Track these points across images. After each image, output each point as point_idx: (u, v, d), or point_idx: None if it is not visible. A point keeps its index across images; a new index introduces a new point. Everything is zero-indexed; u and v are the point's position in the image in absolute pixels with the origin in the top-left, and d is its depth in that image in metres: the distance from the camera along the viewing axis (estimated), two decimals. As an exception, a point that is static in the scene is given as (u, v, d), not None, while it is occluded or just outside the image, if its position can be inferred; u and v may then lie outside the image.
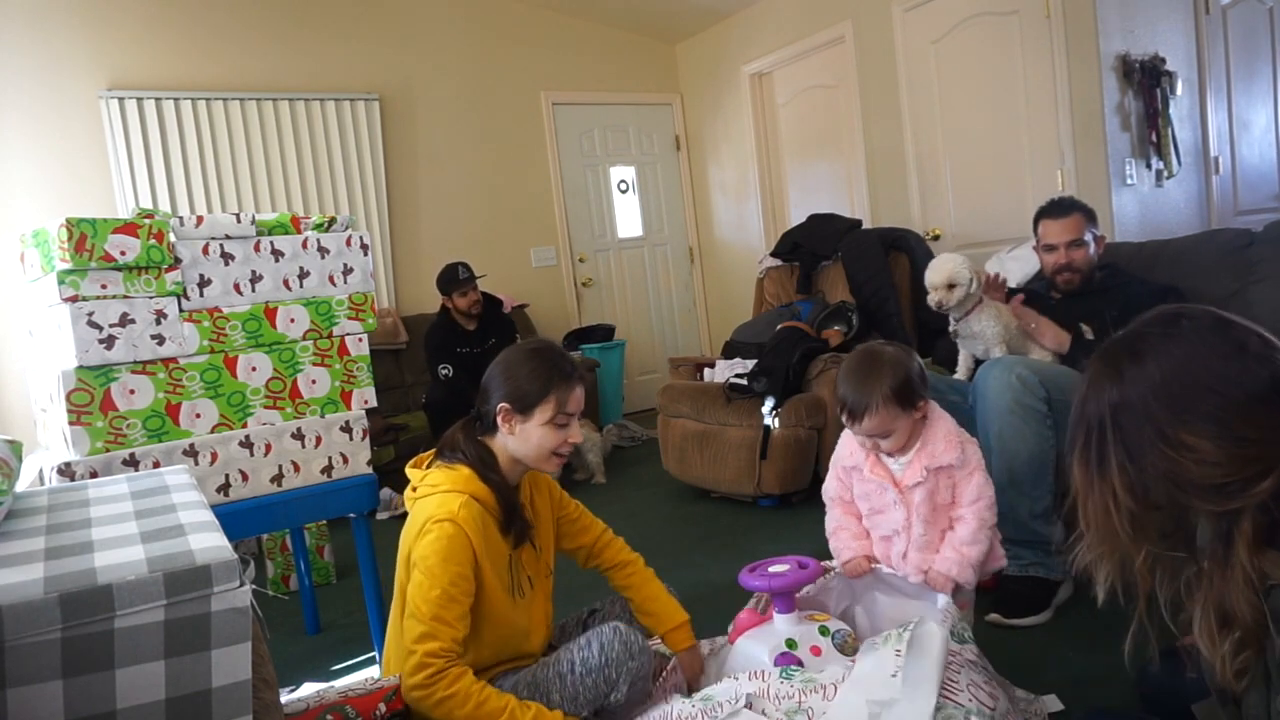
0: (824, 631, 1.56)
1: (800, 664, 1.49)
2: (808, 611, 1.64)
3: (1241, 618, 0.96)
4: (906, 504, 1.74)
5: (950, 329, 2.45)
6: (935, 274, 2.35)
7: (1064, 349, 2.33)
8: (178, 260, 1.99)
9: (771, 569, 1.63)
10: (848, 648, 1.55)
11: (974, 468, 1.72)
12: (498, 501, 1.59)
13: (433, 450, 1.71)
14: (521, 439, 1.61)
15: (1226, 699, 1.08)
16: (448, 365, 4.12)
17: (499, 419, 1.61)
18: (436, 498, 1.55)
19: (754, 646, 1.55)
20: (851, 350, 3.42)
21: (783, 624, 1.58)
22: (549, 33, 5.59)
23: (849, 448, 1.84)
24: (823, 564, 1.76)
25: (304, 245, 2.18)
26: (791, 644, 1.52)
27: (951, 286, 2.32)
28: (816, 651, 1.52)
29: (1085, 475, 1.06)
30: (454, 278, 4.21)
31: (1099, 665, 1.85)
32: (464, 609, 1.48)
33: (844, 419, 1.74)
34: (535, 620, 1.68)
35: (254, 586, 0.96)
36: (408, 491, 1.66)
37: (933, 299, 2.36)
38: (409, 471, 1.68)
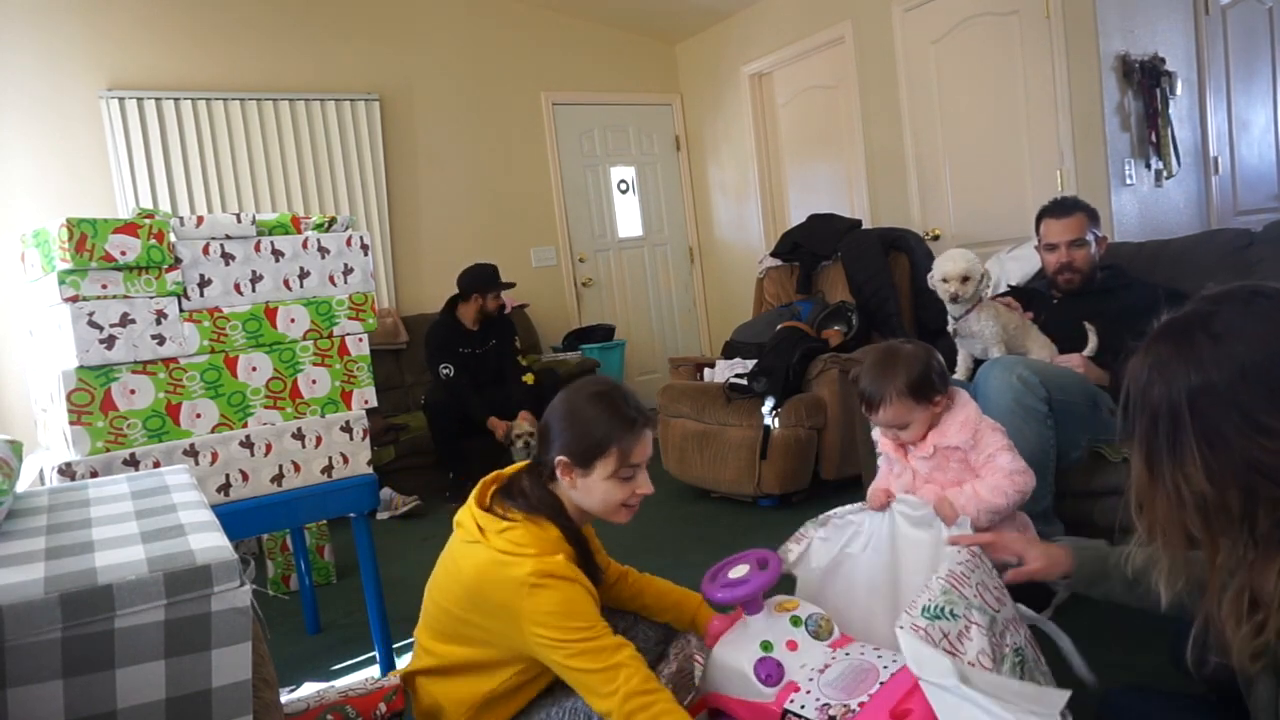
0: (795, 622, 1.53)
1: (780, 665, 1.47)
2: (775, 601, 1.61)
3: (1272, 602, 0.92)
4: (913, 471, 1.84)
5: (949, 327, 2.45)
6: (952, 266, 2.33)
7: (1105, 381, 2.29)
8: (178, 260, 1.99)
9: (731, 573, 1.59)
10: (822, 632, 1.53)
11: (996, 449, 1.76)
12: (578, 555, 1.49)
13: (490, 481, 1.57)
14: (584, 493, 1.49)
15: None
16: (449, 365, 4.12)
17: (558, 472, 1.48)
18: (530, 561, 1.38)
19: (732, 656, 1.51)
20: (851, 351, 3.48)
21: (755, 625, 1.54)
22: (549, 33, 5.59)
23: None
24: (837, 510, 1.82)
25: (304, 245, 2.18)
26: (767, 646, 1.49)
27: (965, 279, 2.33)
28: (793, 646, 1.49)
29: (1151, 467, 0.97)
30: (492, 279, 4.20)
31: (1099, 665, 1.85)
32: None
33: (864, 410, 1.84)
34: None
35: (254, 586, 0.96)
36: (468, 523, 1.49)
37: (947, 290, 2.34)
38: (480, 516, 1.48)
